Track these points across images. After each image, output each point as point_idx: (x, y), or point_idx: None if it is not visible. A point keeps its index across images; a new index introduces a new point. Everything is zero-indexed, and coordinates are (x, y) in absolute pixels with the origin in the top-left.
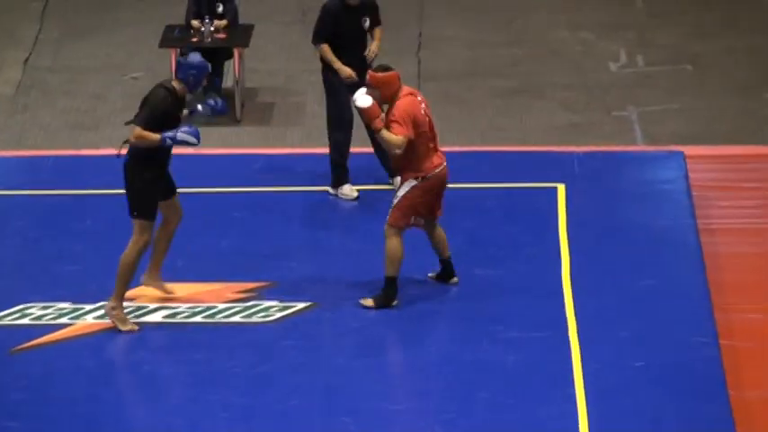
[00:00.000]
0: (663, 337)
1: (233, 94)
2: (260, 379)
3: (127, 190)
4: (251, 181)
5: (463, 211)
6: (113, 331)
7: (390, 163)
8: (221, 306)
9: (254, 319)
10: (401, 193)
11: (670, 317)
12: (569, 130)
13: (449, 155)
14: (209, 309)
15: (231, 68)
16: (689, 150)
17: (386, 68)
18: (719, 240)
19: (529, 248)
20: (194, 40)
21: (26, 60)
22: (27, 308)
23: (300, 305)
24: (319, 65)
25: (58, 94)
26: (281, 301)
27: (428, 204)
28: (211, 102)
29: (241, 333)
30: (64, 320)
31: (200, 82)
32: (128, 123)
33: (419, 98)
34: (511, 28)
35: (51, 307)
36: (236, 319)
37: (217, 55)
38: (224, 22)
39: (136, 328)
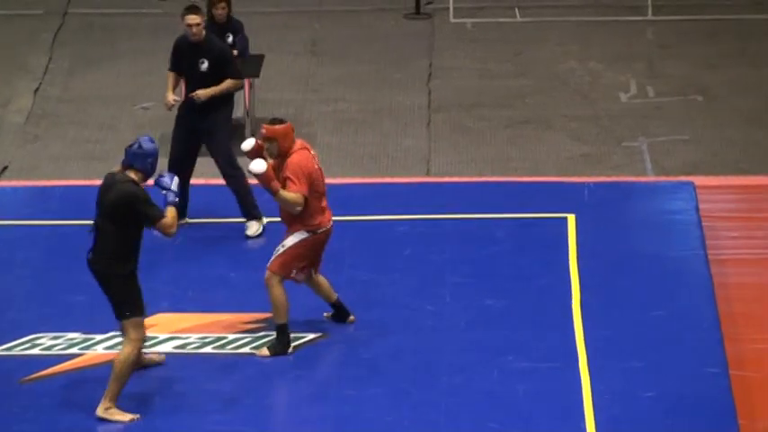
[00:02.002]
0: (673, 367)
1: (243, 125)
2: (270, 410)
3: (114, 291)
4: (261, 211)
5: (473, 242)
6: None
7: (248, 206)
8: (231, 337)
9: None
10: (288, 243)
11: (680, 347)
12: (579, 160)
13: (459, 185)
14: (219, 339)
15: (242, 99)
16: (699, 181)
17: (281, 121)
18: (730, 271)
19: (539, 279)
20: None
21: (36, 90)
22: (37, 338)
23: (310, 336)
24: (329, 95)
25: (68, 124)
26: (290, 331)
27: (312, 258)
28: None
29: (251, 364)
30: (74, 351)
31: (156, 167)
32: (91, 230)
33: (312, 152)
34: (520, 59)
35: (62, 337)
36: (246, 350)
37: None
38: (234, 52)
39: (137, 417)
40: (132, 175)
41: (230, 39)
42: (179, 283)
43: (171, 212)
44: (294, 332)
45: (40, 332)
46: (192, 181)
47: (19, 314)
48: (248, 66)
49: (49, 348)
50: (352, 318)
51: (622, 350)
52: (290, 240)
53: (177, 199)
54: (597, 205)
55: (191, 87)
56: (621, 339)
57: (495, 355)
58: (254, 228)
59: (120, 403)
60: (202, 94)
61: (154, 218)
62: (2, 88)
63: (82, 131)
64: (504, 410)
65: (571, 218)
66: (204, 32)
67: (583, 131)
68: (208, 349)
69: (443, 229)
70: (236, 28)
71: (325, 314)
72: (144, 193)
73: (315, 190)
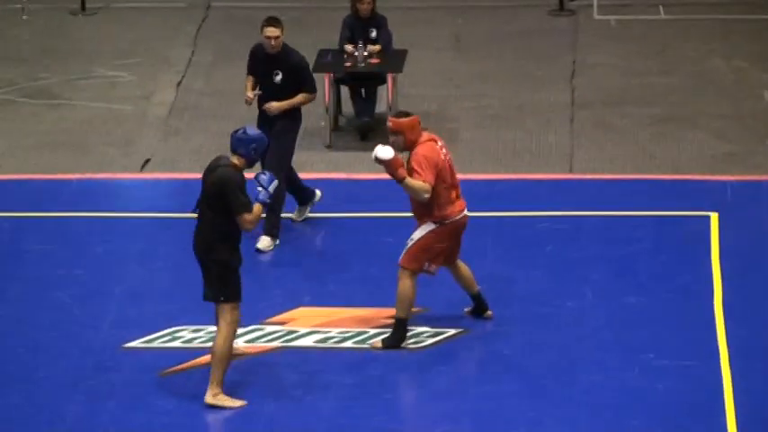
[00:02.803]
0: None
1: (386, 120)
2: (410, 404)
3: (212, 275)
4: (402, 206)
5: (615, 239)
6: (263, 355)
7: (272, 224)
8: (372, 332)
9: (405, 344)
10: (416, 236)
11: None
12: (722, 159)
13: (601, 182)
14: (360, 334)
15: (385, 94)
16: None
17: (406, 114)
18: None
19: (681, 277)
20: (348, 64)
21: (179, 83)
22: (178, 331)
23: (451, 331)
24: (472, 91)
25: (209, 118)
26: (432, 327)
27: (444, 250)
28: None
29: (391, 358)
30: None
31: (261, 154)
32: (194, 211)
33: (439, 144)
34: (663, 56)
35: (202, 330)
36: None
37: (370, 80)
38: (377, 47)
39: (245, 403)
40: (235, 160)
41: (374, 33)
42: (320, 277)
43: (257, 209)
44: (435, 327)
45: (180, 325)
46: (326, 175)
47: (160, 306)
48: (391, 61)
49: (189, 341)
50: (489, 313)
51: (765, 349)
52: (418, 233)
53: (268, 201)
54: (741, 204)
55: (264, 97)
56: (764, 338)
57: (636, 353)
58: (266, 242)
59: (262, 398)
60: (275, 107)
61: (239, 206)
62: (145, 81)
63: (223, 125)
64: (643, 408)
65: (714, 216)
66: (282, 44)
67: (726, 130)
68: (348, 344)
69: (585, 226)
70: (380, 23)
71: (464, 309)
72: (240, 180)
73: (442, 180)
